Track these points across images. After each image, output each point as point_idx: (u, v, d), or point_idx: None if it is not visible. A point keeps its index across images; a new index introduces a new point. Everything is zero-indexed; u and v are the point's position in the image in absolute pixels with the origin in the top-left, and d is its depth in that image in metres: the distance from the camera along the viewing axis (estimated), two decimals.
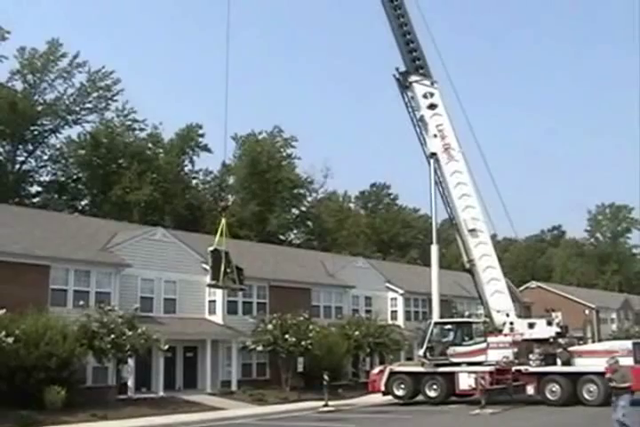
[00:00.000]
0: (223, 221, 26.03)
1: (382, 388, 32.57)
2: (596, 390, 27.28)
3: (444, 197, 34.11)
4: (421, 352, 32.91)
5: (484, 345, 31.23)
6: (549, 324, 30.90)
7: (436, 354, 31.91)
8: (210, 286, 26.19)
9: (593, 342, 41.88)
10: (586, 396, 27.62)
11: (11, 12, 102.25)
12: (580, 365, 28.63)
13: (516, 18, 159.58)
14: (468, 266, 33.46)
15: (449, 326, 33.65)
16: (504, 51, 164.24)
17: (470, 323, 34.66)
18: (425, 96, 34.53)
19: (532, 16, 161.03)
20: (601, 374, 27.04)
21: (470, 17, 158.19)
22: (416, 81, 34.60)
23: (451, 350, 31.81)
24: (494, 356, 30.52)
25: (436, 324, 33.49)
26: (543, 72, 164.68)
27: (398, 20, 34.99)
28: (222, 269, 24.69)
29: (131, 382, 31.28)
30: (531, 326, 31.27)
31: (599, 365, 27.31)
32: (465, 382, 30.24)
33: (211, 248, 25.28)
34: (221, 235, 25.27)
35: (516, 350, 30.51)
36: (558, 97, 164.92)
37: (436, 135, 34.16)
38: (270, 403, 32.61)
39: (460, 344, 32.11)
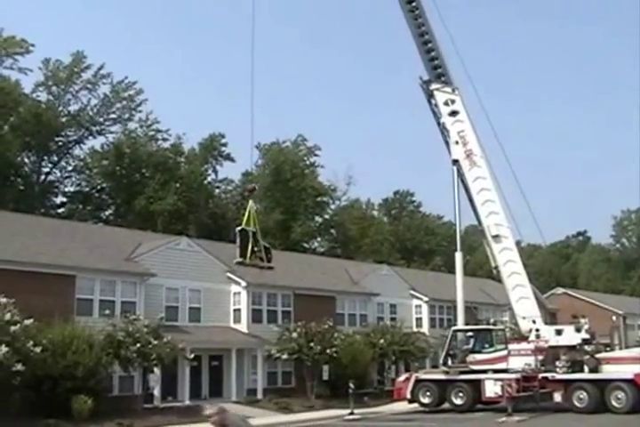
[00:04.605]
0: (250, 202, 26.30)
1: (408, 396, 32.45)
2: (625, 397, 26.99)
3: (471, 204, 34.07)
4: (441, 360, 32.85)
5: (504, 352, 31.05)
6: (578, 330, 30.67)
7: (457, 362, 31.79)
8: (237, 263, 26.22)
9: (620, 348, 41.40)
10: (614, 403, 27.28)
11: (34, 23, 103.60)
12: (608, 372, 28.34)
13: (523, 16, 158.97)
14: (495, 272, 33.41)
15: (469, 334, 33.46)
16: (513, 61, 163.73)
17: (490, 330, 34.38)
18: (446, 103, 34.61)
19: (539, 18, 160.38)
20: (629, 382, 26.90)
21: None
22: (437, 89, 34.74)
23: (470, 357, 31.64)
24: (516, 363, 30.33)
25: (455, 331, 33.39)
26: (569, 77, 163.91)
27: (419, 28, 35.13)
28: (250, 247, 24.77)
29: (157, 391, 31.43)
30: (558, 332, 31.04)
31: (627, 372, 27.21)
32: (491, 389, 30.03)
33: (238, 228, 25.46)
34: (249, 216, 25.43)
35: (540, 357, 30.32)
36: (577, 101, 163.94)
37: (457, 142, 34.20)
38: (296, 411, 32.58)
39: (479, 352, 31.88)
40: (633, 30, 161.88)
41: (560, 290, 78.42)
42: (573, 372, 29.01)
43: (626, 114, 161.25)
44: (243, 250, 24.93)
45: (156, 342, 29.00)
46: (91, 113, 63.59)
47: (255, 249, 25.18)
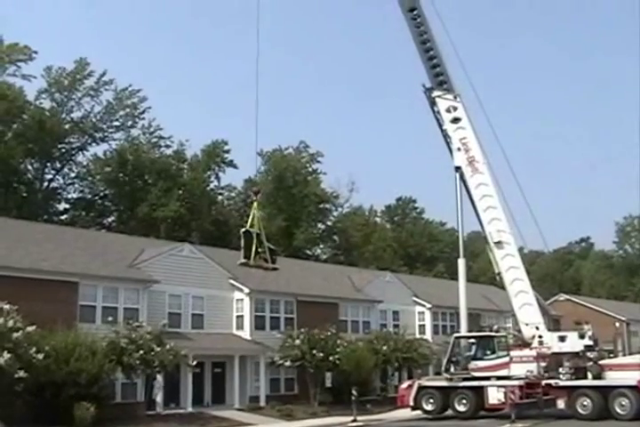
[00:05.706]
0: (255, 204, 26.38)
1: (411, 402, 32.37)
2: (628, 403, 26.91)
3: (474, 210, 34.09)
4: (443, 367, 32.79)
5: (506, 359, 30.96)
6: (581, 337, 30.63)
7: (459, 368, 31.73)
8: (241, 264, 26.32)
9: (624, 355, 41.47)
10: (618, 410, 27.20)
11: (37, 31, 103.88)
12: (612, 378, 28.27)
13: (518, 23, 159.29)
14: (498, 278, 33.41)
15: (471, 340, 33.38)
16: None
17: (492, 337, 34.18)
18: (448, 110, 34.71)
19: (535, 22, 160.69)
20: (633, 388, 26.84)
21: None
22: (439, 96, 34.87)
23: (472, 364, 31.57)
24: (517, 370, 30.27)
25: (457, 338, 33.34)
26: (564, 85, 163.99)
27: (421, 36, 35.26)
28: (254, 248, 24.83)
29: (159, 398, 31.38)
30: (561, 339, 31.03)
31: (631, 378, 27.16)
32: (494, 396, 29.97)
33: (242, 229, 25.57)
34: (253, 218, 25.54)
35: (543, 363, 30.28)
36: (578, 104, 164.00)
37: (459, 149, 34.27)
38: (298, 418, 32.54)
39: (481, 358, 31.80)
40: (632, 30, 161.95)
41: (563, 296, 78.34)
42: (577, 378, 28.94)
43: (626, 116, 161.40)
44: (246, 251, 25.02)
45: (158, 349, 29.00)
46: (94, 120, 63.66)
47: (259, 250, 25.26)
